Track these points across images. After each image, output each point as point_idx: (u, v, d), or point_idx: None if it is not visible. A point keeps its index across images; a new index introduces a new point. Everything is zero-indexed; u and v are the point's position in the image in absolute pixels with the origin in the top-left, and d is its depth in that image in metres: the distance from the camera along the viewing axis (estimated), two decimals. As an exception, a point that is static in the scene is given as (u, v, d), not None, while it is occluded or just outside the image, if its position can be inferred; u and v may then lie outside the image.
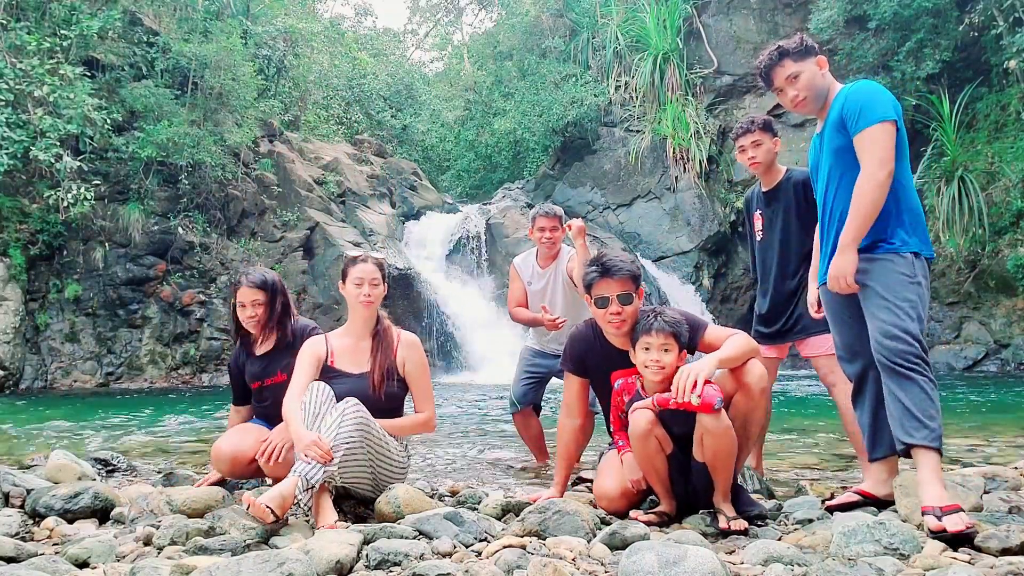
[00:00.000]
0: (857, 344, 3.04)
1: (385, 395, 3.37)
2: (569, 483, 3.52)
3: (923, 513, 2.58)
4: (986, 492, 3.02)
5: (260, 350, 3.68)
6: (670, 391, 2.83)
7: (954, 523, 2.48)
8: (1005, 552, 2.35)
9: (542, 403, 4.82)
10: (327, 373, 3.40)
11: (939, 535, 2.47)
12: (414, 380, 3.50)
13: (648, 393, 3.01)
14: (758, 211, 3.92)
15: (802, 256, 3.71)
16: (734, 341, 2.98)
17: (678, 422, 2.91)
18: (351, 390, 3.27)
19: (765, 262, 3.89)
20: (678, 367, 2.92)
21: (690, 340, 3.03)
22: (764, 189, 3.90)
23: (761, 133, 3.79)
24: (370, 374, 3.37)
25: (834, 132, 3.00)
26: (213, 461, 3.54)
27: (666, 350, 2.94)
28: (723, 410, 2.80)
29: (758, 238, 3.92)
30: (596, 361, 3.24)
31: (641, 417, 2.88)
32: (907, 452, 2.75)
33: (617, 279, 3.06)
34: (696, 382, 2.72)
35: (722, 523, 2.81)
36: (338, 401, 3.17)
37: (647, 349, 2.96)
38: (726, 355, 2.89)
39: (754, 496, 3.18)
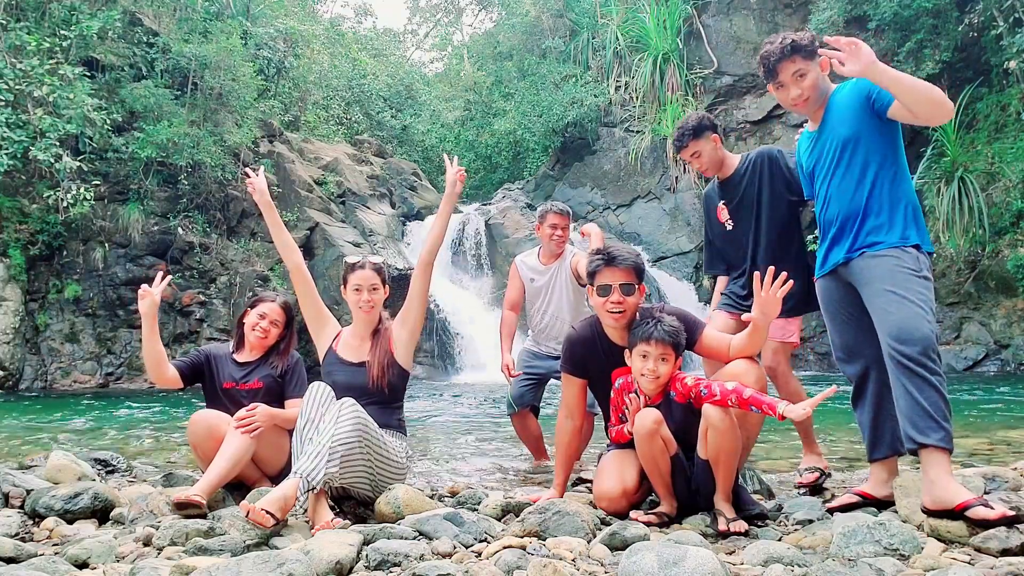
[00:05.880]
0: (856, 344, 3.01)
1: (388, 386, 3.50)
2: (569, 483, 3.52)
3: (967, 507, 2.50)
4: (986, 492, 3.01)
5: (244, 358, 3.80)
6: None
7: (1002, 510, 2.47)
8: (1005, 553, 2.35)
9: (540, 404, 4.81)
10: (328, 356, 3.57)
11: (998, 522, 2.43)
12: (408, 310, 3.62)
13: (644, 393, 3.02)
14: (721, 203, 3.89)
15: (786, 234, 3.65)
16: (741, 337, 3.01)
17: (679, 419, 2.92)
18: (351, 378, 3.44)
19: (741, 248, 3.81)
20: (673, 376, 2.94)
21: (687, 339, 3.04)
22: (721, 179, 3.87)
23: (695, 143, 3.76)
24: (369, 367, 3.49)
25: (845, 121, 2.91)
26: (190, 434, 3.53)
27: (663, 359, 2.93)
28: (729, 407, 2.81)
29: (728, 228, 3.88)
30: (596, 360, 3.23)
31: (647, 416, 2.87)
32: (913, 450, 2.71)
33: (621, 269, 3.07)
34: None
35: (721, 525, 2.81)
36: (338, 399, 3.18)
37: (644, 357, 2.94)
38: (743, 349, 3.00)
39: (754, 496, 3.18)
